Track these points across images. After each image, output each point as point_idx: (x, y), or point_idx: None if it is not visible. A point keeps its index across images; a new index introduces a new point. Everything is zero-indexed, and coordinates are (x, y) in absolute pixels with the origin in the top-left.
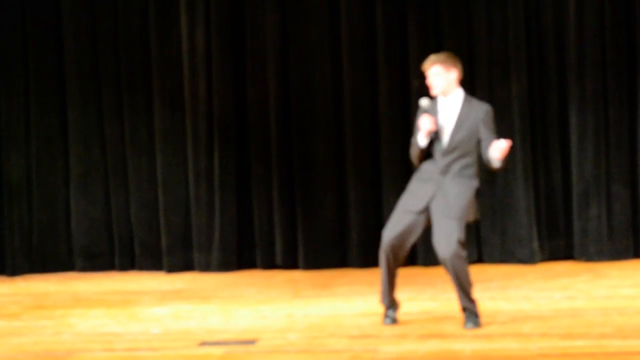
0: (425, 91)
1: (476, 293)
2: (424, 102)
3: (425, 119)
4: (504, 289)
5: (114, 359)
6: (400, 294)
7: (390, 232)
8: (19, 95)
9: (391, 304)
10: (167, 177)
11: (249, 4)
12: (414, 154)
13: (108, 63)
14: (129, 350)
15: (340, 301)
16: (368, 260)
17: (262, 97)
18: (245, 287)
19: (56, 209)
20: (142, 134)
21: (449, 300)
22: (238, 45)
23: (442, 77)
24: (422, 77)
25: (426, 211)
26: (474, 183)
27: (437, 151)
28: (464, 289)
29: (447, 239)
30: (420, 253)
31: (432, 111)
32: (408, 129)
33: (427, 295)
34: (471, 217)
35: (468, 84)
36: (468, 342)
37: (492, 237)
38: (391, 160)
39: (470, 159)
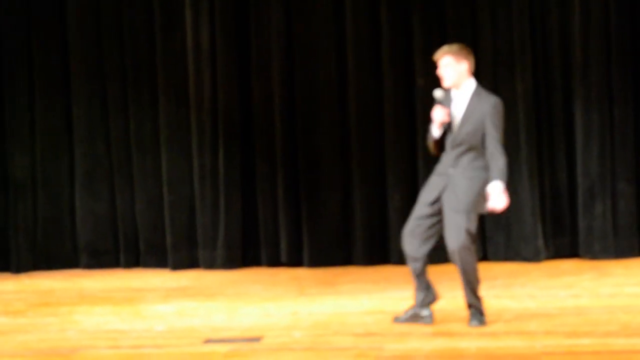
0: (429, 89)
1: (481, 291)
2: (437, 93)
3: (438, 110)
4: (509, 287)
5: (118, 356)
6: (405, 292)
7: (406, 225)
8: (23, 92)
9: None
10: (172, 174)
11: (254, 1)
12: (429, 144)
13: (112, 60)
14: (133, 347)
15: (345, 299)
16: (373, 258)
17: (267, 95)
18: (250, 285)
19: (61, 206)
20: (146, 131)
21: (454, 299)
22: (243, 43)
23: (452, 68)
24: (427, 75)
25: (438, 203)
26: (485, 175)
27: (448, 143)
28: (470, 284)
29: (455, 231)
30: None
31: (447, 102)
32: (413, 127)
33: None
34: (484, 209)
35: None
36: (473, 340)
37: (497, 235)
38: (396, 158)
39: (479, 152)
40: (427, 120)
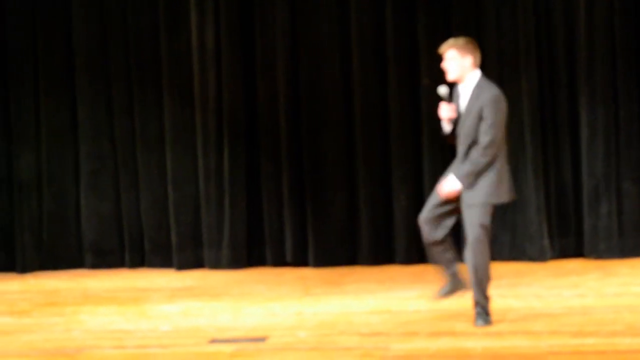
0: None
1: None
2: (442, 89)
3: (443, 107)
4: (515, 286)
5: (124, 356)
6: (410, 292)
7: (422, 211)
8: (29, 91)
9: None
10: (177, 174)
11: (259, 1)
12: (445, 139)
13: (118, 59)
14: (139, 347)
15: (351, 299)
16: (378, 258)
17: (272, 94)
18: (255, 285)
19: (66, 206)
20: (152, 130)
21: (460, 298)
22: (248, 42)
23: (456, 62)
24: (431, 75)
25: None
26: (497, 165)
27: (457, 137)
28: (480, 281)
29: (470, 226)
30: None
31: (455, 97)
32: (418, 127)
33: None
34: (503, 199)
35: None
36: (479, 339)
37: (502, 235)
38: (401, 158)
39: None
40: (432, 119)
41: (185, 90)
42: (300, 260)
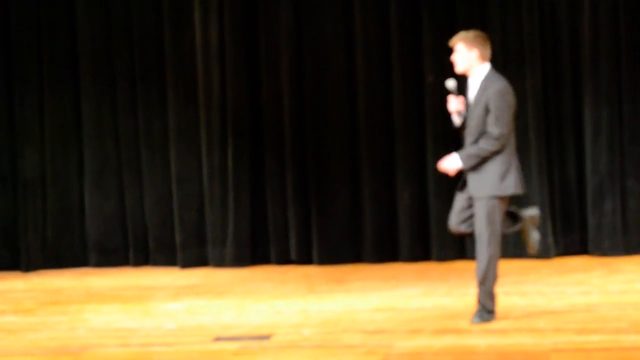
0: (439, 86)
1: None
2: (450, 83)
3: (452, 100)
4: (519, 284)
5: (128, 354)
6: (414, 289)
7: (450, 219)
8: (33, 90)
9: None
10: (181, 172)
11: None
12: (456, 131)
13: (122, 58)
14: (143, 345)
15: (355, 296)
16: (382, 255)
17: (276, 92)
18: (259, 283)
19: (70, 204)
20: (156, 128)
21: (464, 296)
22: (251, 40)
23: (463, 55)
24: (436, 72)
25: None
26: (504, 158)
27: (466, 129)
28: (485, 275)
29: (477, 218)
30: (434, 248)
31: (465, 90)
32: (422, 125)
33: (441, 290)
34: (509, 191)
35: None
36: (483, 337)
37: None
38: (405, 156)
39: None
40: (436, 117)
41: (189, 89)
42: (304, 258)
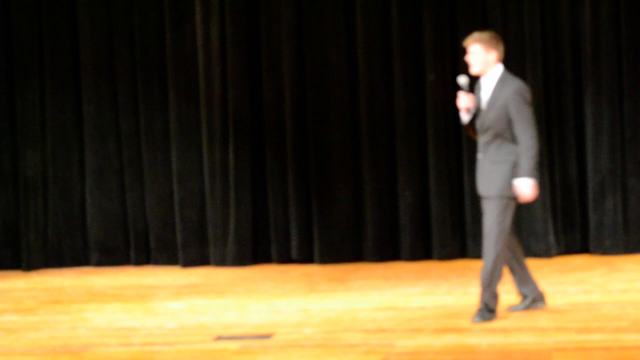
0: (440, 84)
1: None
2: (462, 79)
3: (462, 97)
4: None
5: (129, 353)
6: (416, 288)
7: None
8: (34, 90)
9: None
10: (182, 171)
11: None
12: (464, 129)
13: (123, 57)
14: (144, 344)
15: (356, 295)
16: (384, 254)
17: (277, 91)
18: (260, 282)
19: (72, 204)
20: (157, 128)
21: (465, 295)
22: (253, 39)
23: (480, 56)
24: (437, 71)
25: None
26: (513, 158)
27: (478, 129)
28: (489, 275)
29: (487, 217)
30: (435, 247)
31: (476, 89)
32: (424, 123)
33: (442, 289)
34: (514, 193)
35: None
36: (484, 336)
37: None
38: (406, 154)
39: (506, 138)
40: (438, 116)
41: (190, 88)
42: (305, 257)
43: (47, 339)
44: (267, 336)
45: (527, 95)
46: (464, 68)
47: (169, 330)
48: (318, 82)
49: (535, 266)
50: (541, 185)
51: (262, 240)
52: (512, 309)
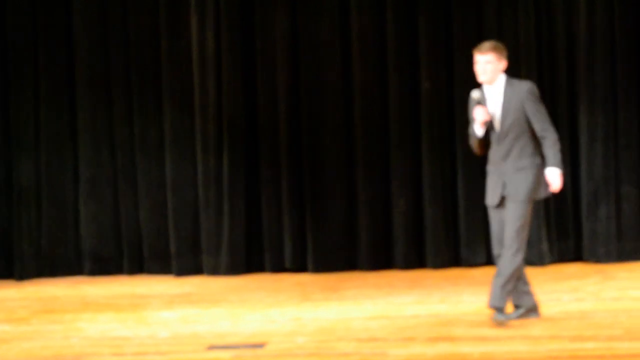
0: (435, 93)
1: (484, 295)
2: (475, 93)
3: (479, 111)
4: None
5: None
6: (409, 297)
7: (491, 229)
8: (29, 99)
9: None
10: (176, 180)
11: (259, 6)
12: (473, 144)
13: (117, 66)
14: (137, 354)
15: (349, 304)
16: (377, 263)
17: (272, 100)
18: (254, 291)
19: (65, 213)
20: (151, 137)
21: (458, 303)
22: (248, 48)
23: (493, 65)
24: (432, 78)
25: (502, 203)
26: (537, 160)
27: (494, 139)
28: (508, 278)
29: (511, 220)
30: (429, 256)
31: (483, 101)
32: (418, 132)
33: (435, 298)
34: (542, 195)
35: (478, 85)
36: (476, 345)
37: None
38: (401, 162)
39: (526, 138)
40: (432, 123)
41: (184, 97)
42: (299, 266)
43: (40, 349)
44: (260, 345)
45: (538, 93)
46: (458, 76)
47: (162, 339)
48: (313, 90)
49: (529, 274)
50: None
51: (255, 249)
52: (503, 318)
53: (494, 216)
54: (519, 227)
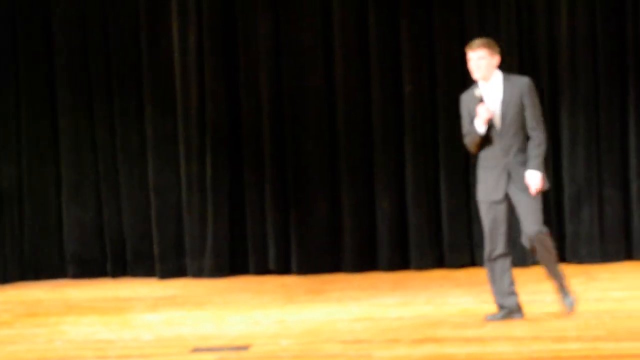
0: (417, 96)
1: (468, 296)
2: (477, 91)
3: (482, 108)
4: None
5: None
6: (393, 299)
7: (486, 226)
8: (9, 102)
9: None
10: (159, 183)
11: (241, 11)
12: (472, 142)
13: (99, 70)
14: (121, 357)
15: (334, 306)
16: (361, 265)
17: (255, 104)
18: (238, 293)
19: (48, 216)
20: (133, 140)
21: (443, 305)
22: (230, 52)
23: (486, 61)
24: (414, 82)
25: (506, 198)
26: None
27: (495, 135)
28: (553, 264)
29: (534, 214)
30: (413, 257)
31: (483, 98)
32: (401, 134)
33: (421, 299)
34: (546, 186)
35: (460, 90)
36: (462, 346)
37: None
38: (384, 165)
39: (524, 133)
40: (415, 126)
41: (167, 101)
42: (283, 268)
43: (23, 352)
44: (244, 347)
45: (535, 88)
46: (441, 79)
47: (146, 342)
48: (295, 94)
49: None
50: None
51: (239, 251)
52: (489, 318)
53: (492, 211)
54: (542, 218)
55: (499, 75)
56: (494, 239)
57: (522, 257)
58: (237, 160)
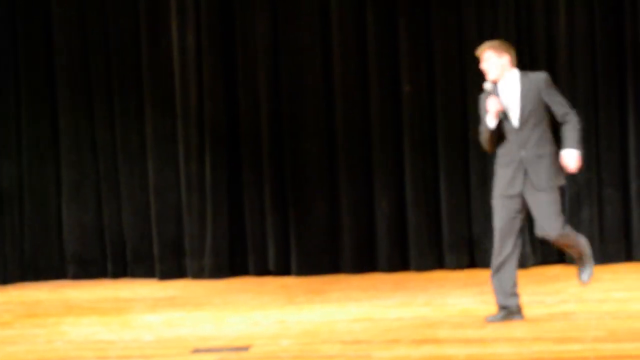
0: (415, 95)
1: (468, 297)
2: (487, 85)
3: (492, 101)
4: None
5: None
6: (393, 300)
7: (498, 222)
8: (9, 102)
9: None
10: (159, 183)
11: (239, 10)
12: (484, 138)
13: (99, 70)
14: (121, 358)
15: (333, 307)
16: (361, 265)
17: (254, 103)
18: (237, 294)
19: (48, 217)
20: (133, 140)
21: (443, 306)
22: (229, 52)
23: (493, 62)
24: (413, 81)
25: (522, 196)
26: (554, 148)
27: (510, 131)
28: (576, 247)
29: (553, 211)
30: (412, 258)
31: (495, 93)
32: (400, 134)
33: (420, 300)
34: (561, 182)
35: (459, 89)
36: (461, 347)
37: (484, 242)
38: (383, 165)
39: (543, 126)
40: (414, 126)
41: (166, 101)
42: (282, 269)
43: (23, 353)
44: (244, 348)
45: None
46: (439, 79)
47: (146, 343)
48: (294, 94)
49: None
50: None
51: (239, 252)
52: (490, 319)
53: (507, 206)
54: (559, 210)
55: (515, 74)
56: (504, 240)
57: (522, 259)
58: (236, 160)
